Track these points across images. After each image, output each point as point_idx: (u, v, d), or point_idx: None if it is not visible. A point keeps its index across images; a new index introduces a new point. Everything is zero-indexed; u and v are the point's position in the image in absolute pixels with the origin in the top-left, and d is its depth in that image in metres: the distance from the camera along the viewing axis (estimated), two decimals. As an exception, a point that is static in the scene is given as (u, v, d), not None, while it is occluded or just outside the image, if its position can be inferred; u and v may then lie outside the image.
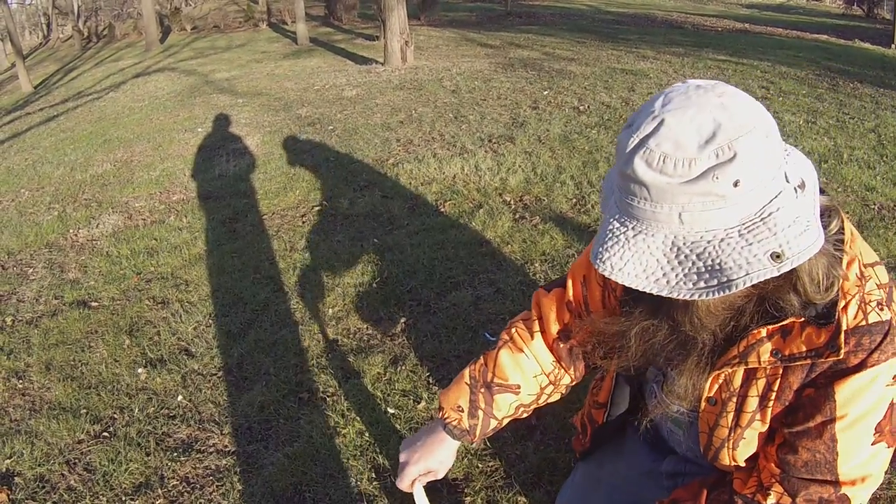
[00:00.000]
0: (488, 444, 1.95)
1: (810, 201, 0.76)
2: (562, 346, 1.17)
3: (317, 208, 3.97)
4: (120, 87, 9.96)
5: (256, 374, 2.42)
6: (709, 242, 0.71)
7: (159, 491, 1.91)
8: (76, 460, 2.07)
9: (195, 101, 7.85)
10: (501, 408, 1.19)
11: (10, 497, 1.95)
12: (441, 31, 12.37)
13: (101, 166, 5.57)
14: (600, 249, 0.77)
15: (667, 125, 0.71)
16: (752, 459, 0.96)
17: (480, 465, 1.88)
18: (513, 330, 1.23)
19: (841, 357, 0.80)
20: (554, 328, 1.17)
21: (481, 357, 1.24)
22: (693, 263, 0.72)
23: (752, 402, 0.90)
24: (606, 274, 0.75)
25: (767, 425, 0.90)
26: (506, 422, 1.23)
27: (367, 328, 2.64)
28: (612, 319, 0.99)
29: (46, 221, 4.36)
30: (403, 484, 1.23)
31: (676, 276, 0.72)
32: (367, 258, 3.22)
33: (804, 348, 0.82)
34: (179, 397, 2.33)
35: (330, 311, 2.79)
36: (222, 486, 1.92)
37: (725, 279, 0.70)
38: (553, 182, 3.96)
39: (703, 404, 0.95)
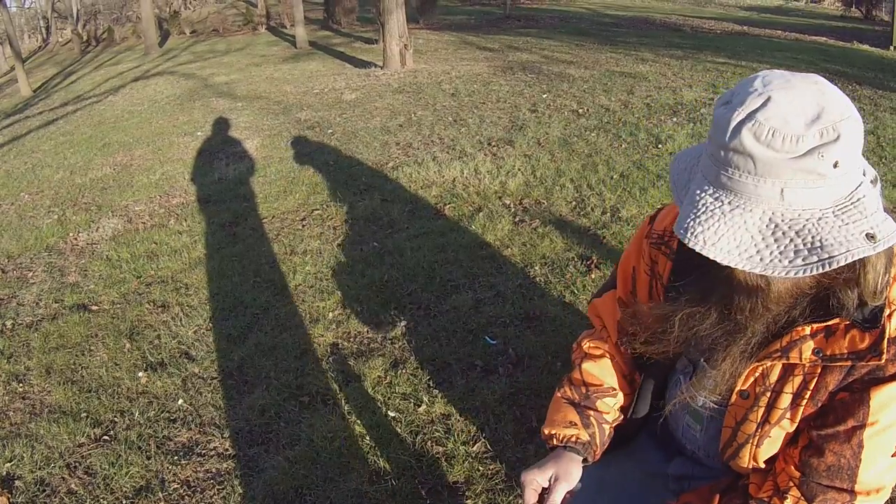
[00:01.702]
0: (489, 446, 1.95)
1: (879, 196, 0.79)
2: (623, 347, 1.15)
3: (316, 212, 3.97)
4: (119, 90, 9.97)
5: (257, 377, 2.42)
6: (807, 220, 0.73)
7: (160, 494, 1.91)
8: (77, 464, 2.07)
9: (194, 104, 7.86)
10: (609, 410, 1.14)
11: (11, 500, 1.95)
12: (440, 34, 12.39)
13: (101, 170, 5.58)
14: (691, 223, 0.76)
15: (774, 102, 0.73)
16: (768, 462, 0.95)
17: (481, 468, 1.88)
18: (584, 344, 1.20)
19: (882, 362, 0.82)
20: (614, 329, 1.16)
21: (562, 385, 1.19)
22: (791, 240, 0.73)
23: (786, 399, 0.89)
24: (698, 248, 0.75)
25: (796, 426, 0.90)
26: (612, 429, 1.16)
27: (367, 332, 2.64)
28: (656, 305, 0.99)
29: (46, 225, 4.36)
30: (530, 499, 1.07)
31: (771, 252, 0.73)
32: (367, 262, 3.22)
33: (846, 350, 0.83)
34: (180, 401, 2.33)
35: (330, 314, 2.79)
36: (223, 489, 1.92)
37: (826, 256, 0.71)
38: (552, 185, 3.97)
39: (734, 397, 0.94)
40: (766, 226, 0.74)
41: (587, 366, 1.17)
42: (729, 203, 0.75)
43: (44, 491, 1.97)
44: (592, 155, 4.46)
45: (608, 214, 3.47)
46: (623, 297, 1.15)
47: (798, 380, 0.88)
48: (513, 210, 3.67)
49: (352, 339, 2.59)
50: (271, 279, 3.17)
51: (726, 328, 0.87)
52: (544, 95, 6.41)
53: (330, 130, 5.87)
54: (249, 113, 6.96)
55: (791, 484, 0.90)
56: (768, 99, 0.73)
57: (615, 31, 11.90)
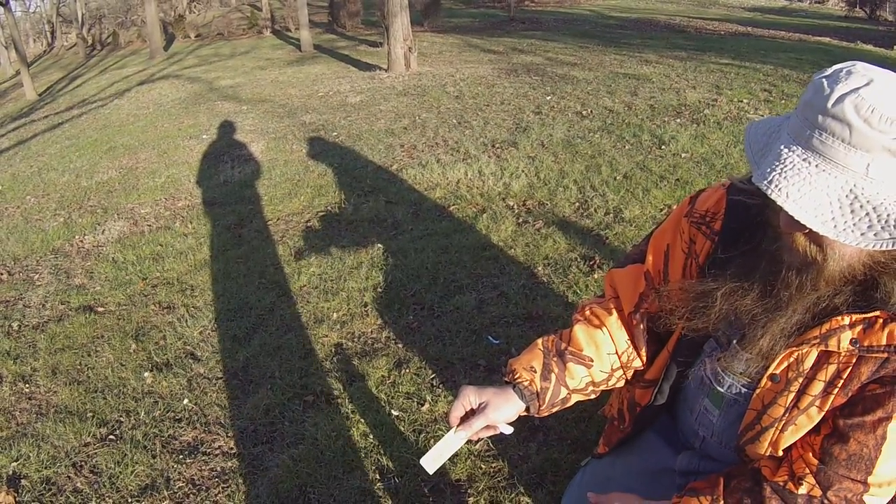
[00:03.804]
0: (491, 445, 1.96)
1: None
2: (636, 319, 1.16)
3: (321, 214, 3.99)
4: (124, 94, 10.02)
5: (262, 377, 2.43)
6: (885, 199, 0.76)
7: (165, 493, 1.93)
8: (83, 463, 2.09)
9: (199, 108, 7.90)
10: (574, 377, 1.15)
11: (17, 499, 1.96)
12: (444, 37, 12.43)
13: (107, 173, 5.61)
14: (776, 176, 0.78)
15: (877, 83, 0.76)
16: (784, 450, 0.97)
17: (484, 466, 1.89)
18: (587, 310, 1.22)
19: None
20: (631, 301, 1.17)
21: (551, 334, 1.22)
22: (867, 214, 0.76)
23: (818, 387, 0.91)
24: (780, 201, 0.77)
25: (822, 414, 0.92)
26: (573, 399, 1.18)
27: (371, 332, 2.66)
28: (699, 280, 1.01)
29: (52, 228, 4.39)
30: (456, 410, 1.10)
31: (846, 221, 0.76)
32: (372, 263, 3.23)
33: (884, 342, 0.85)
34: (185, 401, 2.35)
35: (334, 315, 2.80)
36: (228, 487, 1.93)
37: None
38: (556, 186, 3.98)
39: (764, 381, 0.96)
40: (846, 195, 0.77)
41: (578, 328, 1.19)
42: (816, 165, 0.78)
43: (50, 490, 1.99)
44: (596, 156, 4.46)
45: (611, 215, 3.47)
46: (651, 272, 1.16)
47: (832, 368, 0.90)
48: (516, 211, 3.68)
49: (356, 340, 2.61)
50: (276, 280, 3.18)
51: (767, 305, 0.90)
52: (548, 97, 6.42)
53: (335, 133, 5.89)
54: (254, 116, 6.99)
55: (807, 471, 0.91)
56: (871, 80, 0.76)
57: (619, 32, 11.91)
